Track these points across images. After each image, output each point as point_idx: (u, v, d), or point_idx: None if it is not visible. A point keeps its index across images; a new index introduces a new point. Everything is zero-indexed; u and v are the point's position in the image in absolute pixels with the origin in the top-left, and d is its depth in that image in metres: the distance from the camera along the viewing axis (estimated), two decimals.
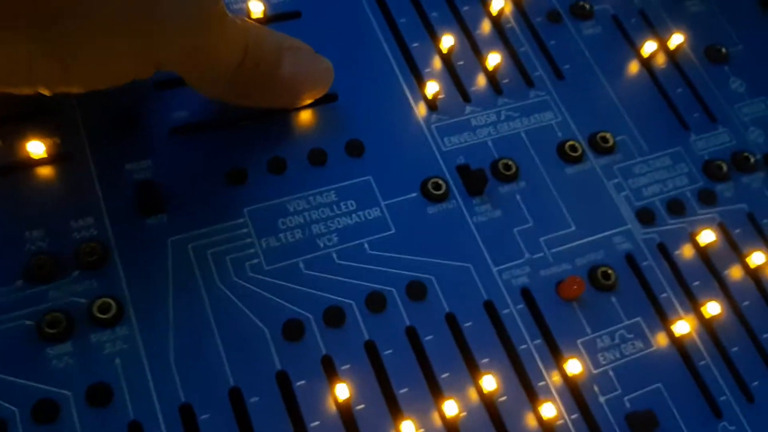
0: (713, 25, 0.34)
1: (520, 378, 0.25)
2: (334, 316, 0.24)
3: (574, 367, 0.25)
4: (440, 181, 0.27)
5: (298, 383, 0.23)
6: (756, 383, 0.26)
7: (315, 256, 0.25)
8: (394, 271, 0.26)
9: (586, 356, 0.25)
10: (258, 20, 0.29)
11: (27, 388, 0.22)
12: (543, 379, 0.25)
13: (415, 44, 0.30)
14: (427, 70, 0.30)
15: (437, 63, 0.30)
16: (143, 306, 0.23)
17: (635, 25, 0.33)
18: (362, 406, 0.23)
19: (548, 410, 0.24)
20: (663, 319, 0.27)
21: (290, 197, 0.26)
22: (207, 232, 0.25)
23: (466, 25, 0.31)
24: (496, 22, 0.31)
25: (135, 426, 0.22)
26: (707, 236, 0.28)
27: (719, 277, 0.28)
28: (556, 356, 0.25)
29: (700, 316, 0.27)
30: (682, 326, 0.26)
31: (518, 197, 0.28)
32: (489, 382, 0.24)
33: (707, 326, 0.27)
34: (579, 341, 0.26)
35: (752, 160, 0.31)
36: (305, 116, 0.28)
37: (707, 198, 0.29)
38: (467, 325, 0.25)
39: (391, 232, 0.26)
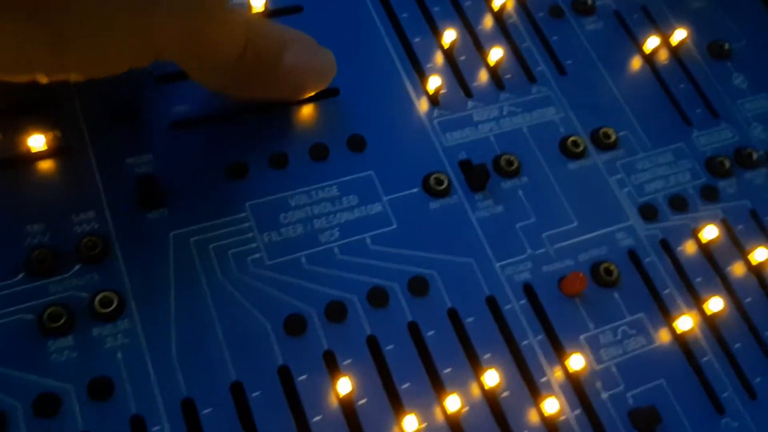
0: (716, 21, 0.34)
1: (523, 373, 0.25)
2: (336, 311, 0.24)
3: (576, 362, 0.25)
4: (442, 177, 0.27)
5: (300, 378, 0.23)
6: (758, 380, 0.26)
7: (317, 250, 0.25)
8: (396, 266, 0.25)
9: (588, 352, 0.25)
10: (259, 14, 0.29)
11: (28, 382, 0.22)
12: (545, 374, 0.25)
13: (417, 39, 0.30)
14: (429, 65, 0.30)
15: (439, 58, 0.30)
16: (145, 300, 0.23)
17: (637, 21, 0.33)
18: (364, 400, 0.23)
19: (551, 406, 0.24)
20: (665, 315, 0.27)
21: (292, 192, 0.26)
22: (209, 227, 0.25)
23: (468, 20, 0.31)
24: (498, 17, 0.31)
25: (137, 420, 0.22)
26: (710, 232, 0.28)
27: (722, 274, 0.28)
28: (558, 352, 0.25)
29: (702, 312, 0.27)
30: (685, 322, 0.26)
31: (520, 193, 0.28)
32: (491, 378, 0.24)
33: (710, 322, 0.27)
34: (581, 337, 0.26)
35: (755, 156, 0.30)
36: (307, 111, 0.28)
37: (710, 194, 0.29)
38: (469, 320, 0.25)
39: (393, 227, 0.26)
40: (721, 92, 0.32)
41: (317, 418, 0.23)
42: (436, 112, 0.29)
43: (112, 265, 0.24)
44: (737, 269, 0.28)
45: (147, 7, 0.20)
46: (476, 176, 0.27)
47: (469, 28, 0.31)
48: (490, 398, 0.24)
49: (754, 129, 0.32)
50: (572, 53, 0.31)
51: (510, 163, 0.28)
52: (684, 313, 0.27)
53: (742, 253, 0.28)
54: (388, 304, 0.25)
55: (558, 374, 0.25)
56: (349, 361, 0.24)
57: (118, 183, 0.25)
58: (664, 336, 0.26)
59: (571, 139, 0.29)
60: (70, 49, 0.19)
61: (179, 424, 0.22)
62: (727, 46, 0.33)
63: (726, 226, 0.29)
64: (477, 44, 0.30)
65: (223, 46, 0.23)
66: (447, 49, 0.30)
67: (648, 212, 0.28)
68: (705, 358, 0.26)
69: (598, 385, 0.25)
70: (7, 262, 0.23)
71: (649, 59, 0.32)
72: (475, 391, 0.24)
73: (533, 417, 0.24)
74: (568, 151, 0.29)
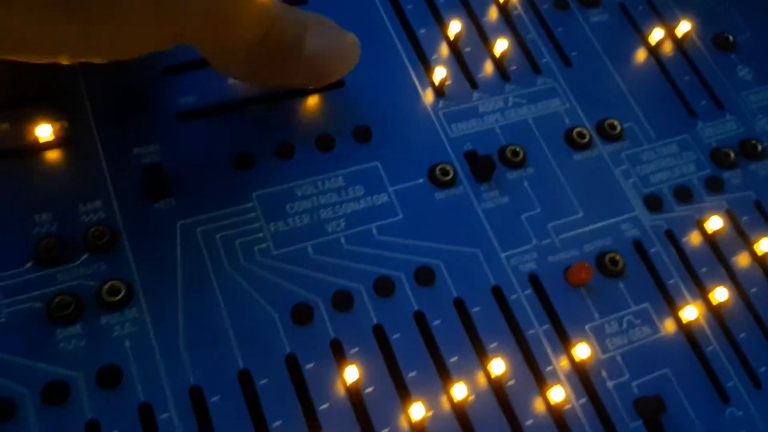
0: (721, 13, 0.34)
1: (529, 362, 0.25)
2: (343, 301, 0.24)
3: (582, 351, 0.25)
4: (448, 167, 0.27)
5: (307, 366, 0.23)
6: (763, 369, 0.26)
7: (323, 240, 0.25)
8: (402, 256, 0.26)
9: (594, 341, 0.25)
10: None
11: (37, 370, 0.22)
12: (551, 363, 0.25)
13: (423, 30, 0.30)
14: (435, 56, 0.30)
15: (444, 49, 0.30)
16: (152, 289, 0.23)
17: (642, 13, 0.33)
18: (371, 388, 0.23)
19: (556, 394, 0.24)
20: (671, 305, 0.27)
21: (298, 182, 0.26)
22: (215, 216, 0.25)
23: (473, 12, 0.31)
24: (504, 8, 0.31)
25: (145, 408, 0.22)
26: (715, 223, 0.28)
27: (727, 264, 0.28)
28: (564, 341, 0.25)
29: (707, 302, 0.27)
30: (690, 312, 0.26)
31: (526, 184, 0.28)
32: (497, 366, 0.24)
33: (715, 312, 0.27)
34: (587, 326, 0.26)
35: (760, 147, 0.31)
36: (312, 102, 0.28)
37: (715, 185, 0.29)
38: (475, 310, 0.25)
39: (399, 217, 0.26)
40: (725, 84, 0.32)
41: (324, 406, 0.23)
42: (441, 103, 0.29)
43: (120, 254, 0.24)
44: (742, 260, 0.28)
45: None
46: (482, 167, 0.27)
47: (474, 19, 0.31)
48: (496, 387, 0.24)
49: (759, 121, 0.32)
50: (577, 45, 0.31)
51: (515, 153, 0.28)
52: (689, 303, 0.27)
53: (747, 244, 0.28)
54: (395, 294, 0.25)
55: (564, 363, 0.25)
56: (355, 349, 0.24)
57: (125, 173, 0.25)
58: (669, 326, 0.26)
59: (577, 130, 0.29)
60: (96, 30, 0.19)
61: (187, 411, 0.22)
62: (731, 38, 0.33)
63: (731, 216, 0.29)
64: (482, 36, 0.30)
65: (244, 30, 0.22)
66: (452, 40, 0.30)
67: (653, 203, 0.28)
68: (710, 348, 0.26)
69: (604, 374, 0.25)
70: (15, 251, 0.23)
71: (654, 51, 0.32)
72: (482, 379, 0.24)
73: (539, 405, 0.24)
74: (574, 142, 0.29)
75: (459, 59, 0.30)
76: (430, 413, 0.23)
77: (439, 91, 0.29)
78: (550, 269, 0.26)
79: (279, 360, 0.23)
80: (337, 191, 0.26)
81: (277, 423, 0.22)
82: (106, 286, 0.23)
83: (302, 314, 0.24)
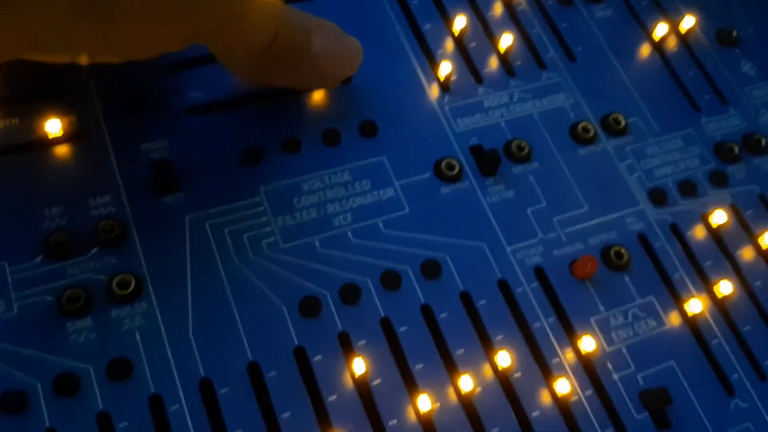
0: (724, 8, 0.34)
1: (535, 355, 0.25)
2: (350, 294, 0.24)
3: (587, 344, 0.25)
4: (453, 162, 0.27)
5: (316, 358, 0.23)
6: (767, 362, 0.26)
7: (330, 234, 0.25)
8: (409, 249, 0.26)
9: (599, 334, 0.26)
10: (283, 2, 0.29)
11: (48, 362, 0.22)
12: (557, 355, 0.25)
13: (428, 25, 0.30)
14: (440, 51, 0.30)
15: (449, 44, 0.30)
16: (162, 282, 0.24)
17: (646, 8, 0.33)
18: (378, 381, 0.23)
19: (562, 386, 0.24)
20: (676, 298, 0.27)
21: (305, 176, 0.26)
22: (224, 211, 0.25)
23: (478, 7, 0.31)
24: (508, 3, 0.31)
25: (155, 399, 0.22)
26: (719, 217, 0.28)
27: (731, 257, 0.28)
28: (569, 334, 0.25)
29: (712, 295, 0.27)
30: (695, 305, 0.26)
31: (531, 178, 0.28)
32: (504, 359, 0.24)
33: (719, 305, 0.27)
34: (592, 319, 0.26)
35: (763, 142, 0.31)
36: (319, 97, 0.28)
37: (719, 179, 0.29)
38: (481, 303, 0.25)
39: (405, 211, 0.26)
40: (729, 79, 0.32)
41: (332, 397, 0.23)
42: (447, 98, 0.29)
43: (129, 248, 0.24)
44: (746, 253, 0.28)
45: None
46: (487, 161, 0.27)
47: (479, 14, 0.31)
48: (503, 379, 0.24)
49: (762, 115, 0.32)
50: (582, 40, 0.31)
51: (521, 148, 0.28)
52: (694, 296, 0.27)
53: (751, 237, 0.29)
54: (401, 287, 0.25)
55: (569, 356, 0.25)
56: (363, 342, 0.24)
57: (133, 168, 0.25)
58: (674, 318, 0.26)
59: (582, 124, 0.29)
60: (115, 32, 0.20)
61: (197, 403, 0.22)
62: (735, 33, 0.33)
63: (735, 210, 0.29)
64: (487, 31, 0.31)
65: (256, 32, 0.23)
66: (458, 35, 0.30)
67: (658, 197, 0.29)
68: (715, 341, 0.26)
69: (609, 366, 0.25)
70: (26, 244, 0.23)
71: (658, 46, 0.32)
72: (488, 372, 0.24)
73: (545, 397, 0.24)
74: (579, 137, 0.29)
75: (464, 54, 0.30)
76: (437, 405, 0.23)
77: (445, 86, 0.29)
78: (556, 263, 0.27)
79: (287, 352, 0.23)
80: (343, 185, 0.27)
81: (286, 414, 0.23)
82: (116, 280, 0.23)
83: (310, 307, 0.24)
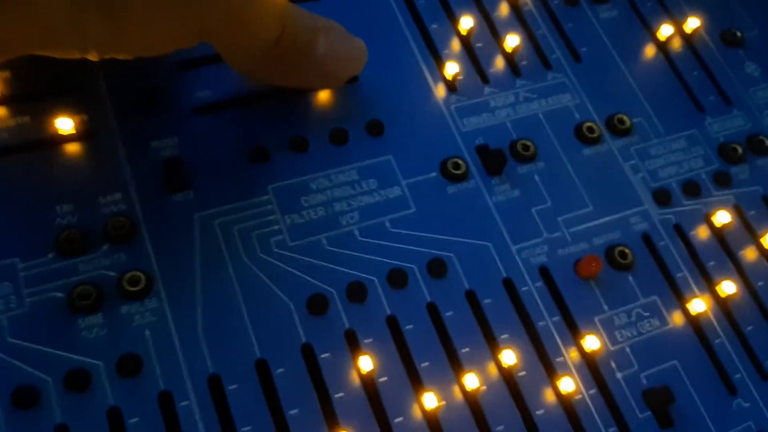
0: (729, 10, 0.34)
1: (539, 353, 0.25)
2: (357, 292, 0.25)
3: (591, 343, 0.25)
4: (459, 161, 0.28)
5: (323, 356, 0.24)
6: None
7: (337, 233, 0.26)
8: (415, 248, 0.26)
9: (603, 333, 0.26)
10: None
11: (59, 358, 0.22)
12: (561, 354, 0.25)
13: (434, 26, 0.30)
14: (446, 51, 0.30)
15: (456, 44, 0.30)
16: (172, 279, 0.24)
17: (651, 9, 0.33)
18: (385, 378, 0.24)
19: (566, 385, 0.24)
20: (679, 298, 0.27)
21: (312, 175, 0.27)
22: (233, 209, 0.25)
23: (484, 8, 0.31)
24: (514, 4, 0.32)
25: (165, 395, 0.22)
26: (722, 217, 0.29)
27: (734, 258, 0.28)
28: (574, 333, 0.26)
29: (715, 295, 0.27)
30: (698, 305, 0.27)
31: (536, 177, 0.28)
32: (508, 357, 0.24)
33: (722, 305, 0.27)
34: (596, 318, 0.26)
35: (767, 143, 0.31)
36: (326, 96, 0.28)
37: (722, 180, 0.30)
38: (487, 301, 0.26)
39: (412, 210, 0.27)
40: (733, 80, 0.32)
41: (339, 394, 0.23)
42: (453, 97, 0.29)
43: (139, 245, 0.24)
44: (749, 253, 0.29)
45: None
46: (493, 161, 0.28)
47: (485, 15, 0.31)
48: (508, 377, 0.25)
49: (766, 117, 0.32)
50: (587, 41, 0.32)
51: (526, 148, 0.28)
52: (697, 296, 0.27)
53: (755, 238, 0.29)
54: (408, 286, 0.25)
55: (573, 354, 0.25)
56: (369, 340, 0.24)
57: (143, 166, 0.25)
58: (677, 318, 0.27)
59: (586, 125, 0.29)
60: (127, 29, 0.20)
61: (206, 399, 0.22)
62: (739, 34, 0.33)
63: (738, 211, 0.29)
64: (493, 31, 0.31)
65: (262, 31, 0.23)
66: (464, 35, 0.30)
67: (662, 197, 0.29)
68: (717, 340, 0.27)
69: (613, 365, 0.25)
70: (37, 241, 0.24)
71: (663, 47, 0.32)
72: (493, 370, 0.25)
73: (549, 396, 0.25)
74: (583, 137, 0.29)
75: (470, 54, 0.30)
76: (443, 403, 0.24)
77: (451, 86, 0.29)
78: (561, 262, 0.27)
79: (295, 349, 0.24)
80: (350, 184, 0.27)
81: (294, 411, 0.23)
82: (126, 277, 0.23)
83: (318, 305, 0.24)
